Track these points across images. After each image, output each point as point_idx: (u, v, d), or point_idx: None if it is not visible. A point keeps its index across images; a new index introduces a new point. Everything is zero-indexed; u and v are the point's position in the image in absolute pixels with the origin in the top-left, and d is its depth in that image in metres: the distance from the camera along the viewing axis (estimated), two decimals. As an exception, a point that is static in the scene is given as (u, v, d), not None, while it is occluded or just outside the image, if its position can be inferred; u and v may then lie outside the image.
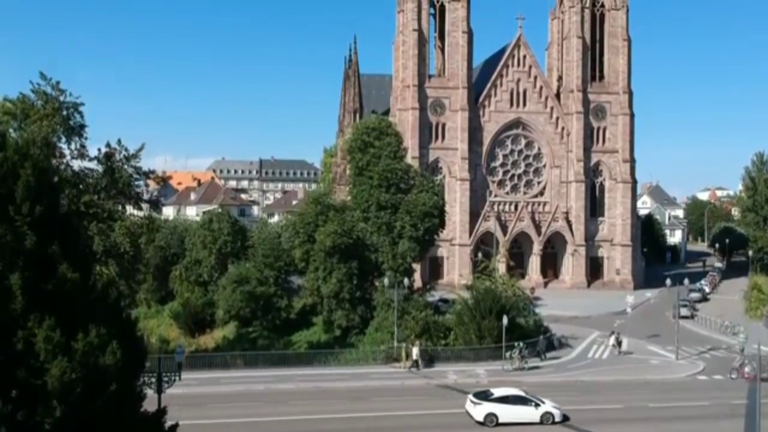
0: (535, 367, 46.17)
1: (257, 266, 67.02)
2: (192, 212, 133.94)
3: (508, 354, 46.08)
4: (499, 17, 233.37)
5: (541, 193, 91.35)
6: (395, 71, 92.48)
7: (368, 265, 58.36)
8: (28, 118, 41.41)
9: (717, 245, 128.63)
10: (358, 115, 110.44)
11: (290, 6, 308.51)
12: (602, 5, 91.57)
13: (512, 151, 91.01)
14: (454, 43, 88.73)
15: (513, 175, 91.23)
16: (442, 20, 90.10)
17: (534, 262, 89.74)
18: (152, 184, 51.65)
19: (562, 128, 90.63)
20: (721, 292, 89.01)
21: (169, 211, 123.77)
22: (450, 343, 49.69)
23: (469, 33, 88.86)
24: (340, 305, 56.94)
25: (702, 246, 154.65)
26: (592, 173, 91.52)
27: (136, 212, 47.39)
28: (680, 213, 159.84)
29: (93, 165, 43.92)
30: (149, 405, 17.98)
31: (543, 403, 33.72)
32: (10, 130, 40.77)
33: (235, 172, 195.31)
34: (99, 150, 43.89)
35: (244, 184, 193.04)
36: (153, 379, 23.04)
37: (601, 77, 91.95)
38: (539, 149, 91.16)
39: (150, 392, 21.22)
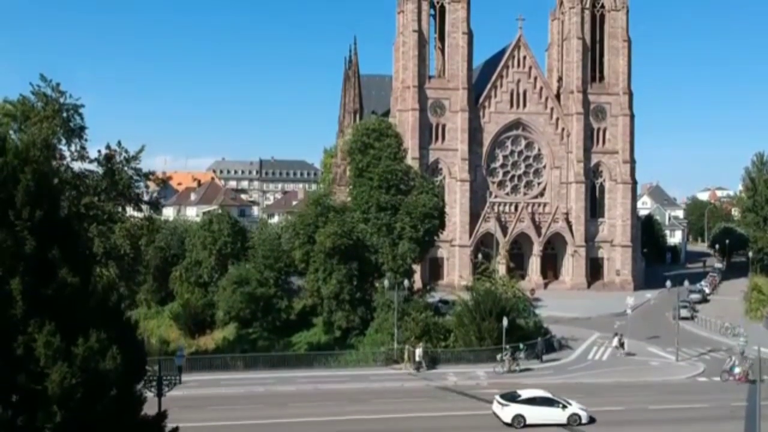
0: (526, 369, 45.87)
1: (257, 267, 67.02)
2: (192, 213, 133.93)
3: (498, 356, 45.95)
4: (499, 18, 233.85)
5: (541, 194, 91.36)
6: (395, 72, 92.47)
7: (368, 266, 58.39)
8: (29, 120, 41.52)
9: (717, 246, 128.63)
10: (358, 116, 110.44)
11: (290, 6, 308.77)
12: (602, 6, 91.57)
13: (512, 151, 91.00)
14: (454, 44, 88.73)
15: (513, 176, 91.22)
16: (442, 21, 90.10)
17: (534, 263, 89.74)
18: (152, 185, 51.67)
19: (562, 129, 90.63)
20: (721, 293, 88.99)
21: (169, 212, 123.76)
22: (450, 345, 49.70)
23: (469, 34, 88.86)
24: (340, 306, 56.96)
25: (702, 246, 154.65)
26: (592, 174, 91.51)
27: (136, 213, 47.42)
28: (680, 213, 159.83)
29: (93, 167, 44.04)
30: (150, 408, 17.98)
31: (570, 404, 33.93)
32: (11, 132, 40.88)
33: (235, 172, 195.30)
34: (99, 152, 44.05)
35: (244, 184, 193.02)
36: (153, 382, 23.03)
37: (601, 78, 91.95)
38: (539, 150, 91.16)
39: (150, 395, 21.22)
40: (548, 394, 34.53)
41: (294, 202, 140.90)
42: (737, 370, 43.65)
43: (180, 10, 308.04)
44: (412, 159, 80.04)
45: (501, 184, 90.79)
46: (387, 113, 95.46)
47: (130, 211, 47.20)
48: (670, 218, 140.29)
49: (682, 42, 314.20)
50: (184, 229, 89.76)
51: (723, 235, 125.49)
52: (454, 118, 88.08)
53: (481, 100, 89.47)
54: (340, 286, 55.99)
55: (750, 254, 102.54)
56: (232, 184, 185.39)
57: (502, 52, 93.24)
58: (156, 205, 49.68)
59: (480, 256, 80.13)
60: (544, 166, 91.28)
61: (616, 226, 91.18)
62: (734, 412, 36.04)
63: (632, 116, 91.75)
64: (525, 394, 34.36)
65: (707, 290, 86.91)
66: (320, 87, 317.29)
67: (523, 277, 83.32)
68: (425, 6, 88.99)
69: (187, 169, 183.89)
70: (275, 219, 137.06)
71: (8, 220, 15.35)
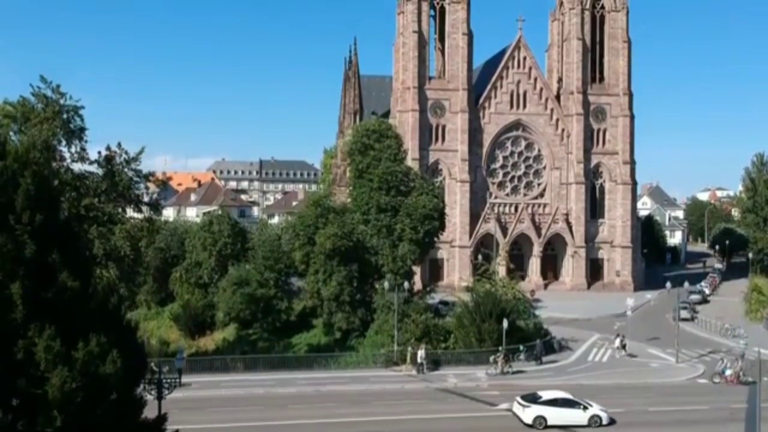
0: (519, 372, 45.70)
1: (257, 268, 67.04)
2: (192, 213, 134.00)
3: (491, 358, 45.85)
4: (499, 19, 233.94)
5: (541, 195, 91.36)
6: (395, 73, 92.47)
7: (368, 267, 58.39)
8: (29, 122, 41.47)
9: (717, 246, 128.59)
10: (358, 117, 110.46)
11: (290, 6, 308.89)
12: (602, 7, 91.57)
13: (512, 152, 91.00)
14: (454, 45, 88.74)
15: (513, 177, 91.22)
16: (442, 22, 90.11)
17: (534, 264, 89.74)
18: (152, 186, 51.66)
19: (562, 130, 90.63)
20: (721, 294, 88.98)
21: (169, 213, 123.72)
22: (450, 347, 49.66)
23: (469, 35, 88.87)
24: (341, 308, 56.96)
25: (702, 247, 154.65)
26: (592, 175, 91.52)
27: (136, 215, 47.39)
28: (680, 214, 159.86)
29: (93, 168, 44.00)
30: (150, 410, 17.98)
31: (591, 406, 34.00)
32: (11, 133, 40.90)
33: (235, 172, 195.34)
34: (99, 153, 44.00)
35: (244, 184, 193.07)
36: (153, 385, 23.00)
37: (601, 79, 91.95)
38: (539, 151, 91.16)
39: (150, 398, 21.20)
40: (569, 396, 34.70)
41: (294, 203, 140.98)
42: (728, 372, 43.72)
43: (180, 10, 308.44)
44: (412, 160, 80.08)
45: (501, 185, 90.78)
46: (387, 114, 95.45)
47: (130, 212, 47.16)
48: (670, 219, 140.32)
49: (682, 42, 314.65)
50: (184, 230, 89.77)
51: (723, 235, 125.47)
52: (454, 118, 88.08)
53: (481, 100, 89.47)
54: (340, 287, 55.99)
55: (750, 255, 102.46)
56: (232, 184, 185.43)
57: (502, 53, 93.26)
58: (156, 207, 49.62)
59: (480, 257, 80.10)
60: (544, 167, 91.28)
61: (616, 226, 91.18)
62: (734, 415, 36.03)
63: (632, 117, 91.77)
64: (546, 395, 34.49)
65: (707, 291, 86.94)
66: (320, 87, 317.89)
67: (523, 278, 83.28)
68: (425, 7, 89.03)
69: (187, 169, 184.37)
70: (275, 219, 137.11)
71: (8, 224, 15.36)
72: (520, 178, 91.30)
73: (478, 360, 47.32)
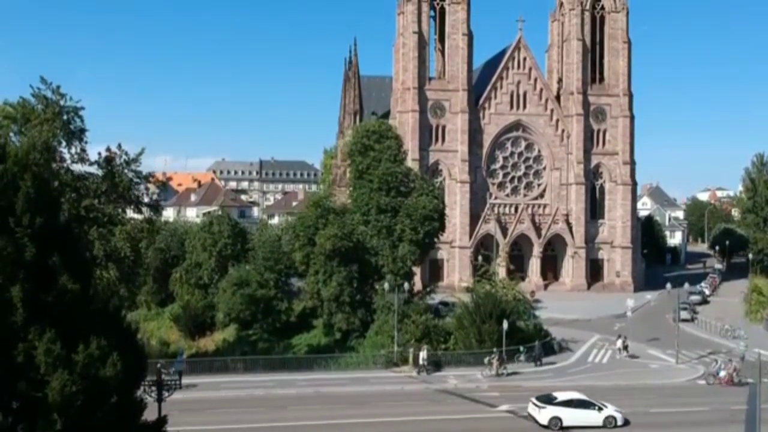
0: (514, 373, 45.61)
1: (257, 269, 67.05)
2: (192, 214, 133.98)
3: (486, 360, 45.74)
4: (499, 19, 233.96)
5: (541, 196, 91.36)
6: (395, 73, 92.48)
7: (368, 268, 58.39)
8: (29, 123, 41.43)
9: (717, 247, 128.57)
10: (358, 117, 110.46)
11: (290, 6, 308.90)
12: (602, 7, 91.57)
13: (512, 153, 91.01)
14: (454, 46, 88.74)
15: (513, 178, 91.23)
16: (442, 22, 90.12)
17: (534, 265, 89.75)
18: (152, 187, 51.61)
19: (562, 130, 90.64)
20: (721, 295, 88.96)
21: (169, 213, 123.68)
22: (450, 348, 49.65)
23: (469, 35, 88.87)
24: (341, 308, 56.96)
25: (702, 247, 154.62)
26: (592, 175, 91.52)
27: (136, 216, 47.36)
28: (680, 214, 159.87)
29: (93, 169, 43.95)
30: (150, 412, 17.98)
31: (606, 407, 34.27)
32: (11, 134, 40.90)
33: (235, 173, 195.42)
34: (99, 154, 43.93)
35: (245, 185, 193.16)
36: (153, 387, 23.01)
37: (601, 79, 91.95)
38: (539, 151, 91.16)
39: (150, 400, 21.22)
40: (584, 397, 34.97)
41: (294, 203, 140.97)
42: (722, 373, 43.77)
43: (180, 10, 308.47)
44: (412, 160, 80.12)
45: (501, 186, 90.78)
46: (387, 114, 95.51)
47: (130, 213, 47.12)
48: (670, 219, 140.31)
49: (682, 42, 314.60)
50: (185, 231, 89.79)
51: (723, 236, 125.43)
52: (454, 119, 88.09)
53: (481, 101, 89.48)
54: (340, 288, 55.99)
55: (750, 255, 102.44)
56: (232, 184, 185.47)
57: (502, 54, 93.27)
58: (156, 207, 49.60)
59: (480, 258, 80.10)
60: (544, 168, 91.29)
61: (616, 227, 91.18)
62: (734, 416, 36.04)
63: (632, 117, 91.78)
64: (561, 396, 34.78)
65: (707, 292, 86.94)
66: (320, 87, 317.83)
67: (523, 278, 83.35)
68: (425, 7, 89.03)
69: (187, 169, 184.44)
70: (275, 220, 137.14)
71: (8, 227, 15.36)
72: (520, 178, 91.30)
73: (478, 361, 47.23)
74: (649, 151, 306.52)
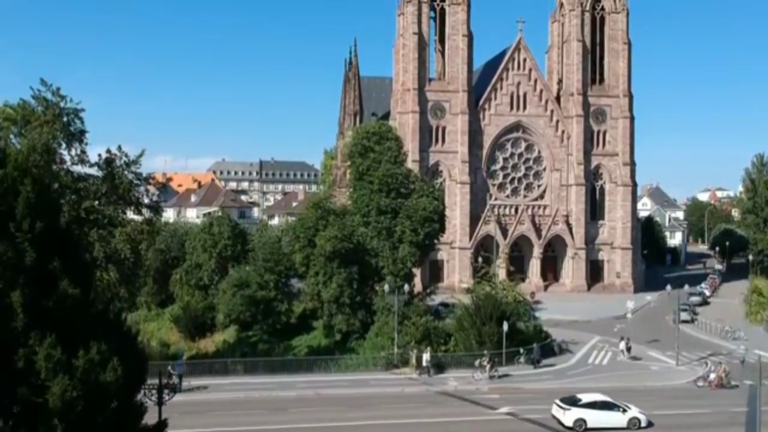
0: (505, 375, 45.47)
1: (257, 270, 67.02)
2: (192, 214, 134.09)
3: (477, 362, 45.66)
4: (499, 20, 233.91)
5: (542, 197, 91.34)
6: (395, 74, 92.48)
7: (368, 269, 58.37)
8: (29, 125, 41.39)
9: (717, 247, 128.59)
10: (358, 118, 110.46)
11: (290, 7, 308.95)
12: (602, 8, 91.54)
13: (512, 154, 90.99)
14: (455, 47, 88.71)
15: (513, 179, 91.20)
16: (442, 23, 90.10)
17: (534, 266, 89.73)
18: (152, 188, 51.55)
19: (563, 131, 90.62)
20: (721, 296, 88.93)
21: (169, 214, 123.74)
22: (450, 349, 49.63)
23: (470, 36, 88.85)
24: (341, 310, 56.93)
25: (702, 248, 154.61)
26: (592, 176, 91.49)
27: (136, 217, 47.32)
28: (680, 215, 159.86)
29: (93, 171, 43.91)
30: (150, 415, 17.98)
31: (629, 408, 34.50)
32: (11, 136, 40.87)
33: (236, 173, 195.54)
34: (99, 156, 43.86)
35: (245, 185, 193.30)
36: (153, 391, 22.99)
37: (602, 80, 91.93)
38: (539, 152, 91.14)
39: (150, 403, 21.20)
40: (608, 398, 35.18)
41: (294, 204, 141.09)
42: (712, 376, 43.77)
43: (180, 10, 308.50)
44: (412, 161, 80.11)
45: (501, 187, 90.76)
46: (387, 115, 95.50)
47: (130, 214, 47.08)
48: (670, 219, 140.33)
49: (682, 43, 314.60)
50: (185, 232, 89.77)
51: (723, 236, 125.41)
52: (454, 120, 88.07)
53: (481, 102, 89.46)
54: (341, 289, 55.96)
55: (750, 256, 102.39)
56: (233, 185, 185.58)
57: (502, 55, 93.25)
58: (156, 209, 49.57)
59: (480, 259, 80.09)
60: (544, 169, 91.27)
61: (616, 228, 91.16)
62: (734, 418, 36.03)
63: (632, 118, 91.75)
64: (585, 398, 35.03)
65: (707, 293, 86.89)
66: (320, 88, 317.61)
67: (523, 279, 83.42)
68: (425, 8, 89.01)
69: (187, 169, 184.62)
70: (275, 220, 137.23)
71: (9, 232, 15.35)
72: (520, 179, 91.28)
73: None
74: (649, 151, 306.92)
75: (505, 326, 46.81)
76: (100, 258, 41.43)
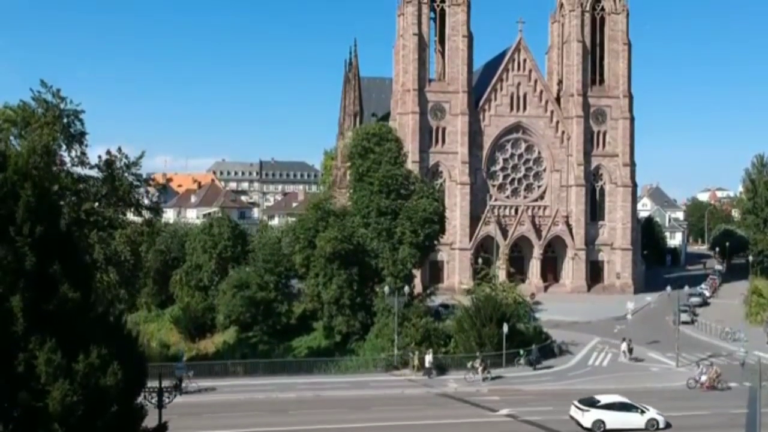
0: (498, 377, 45.33)
1: (257, 271, 67.03)
2: (192, 215, 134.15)
3: (469, 364, 45.60)
4: (499, 21, 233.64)
5: (542, 197, 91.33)
6: (395, 75, 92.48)
7: (368, 270, 58.38)
8: (29, 126, 41.38)
9: (717, 248, 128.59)
10: (358, 118, 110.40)
11: (290, 7, 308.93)
12: (602, 9, 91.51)
13: (512, 155, 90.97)
14: (455, 47, 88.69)
15: (513, 179, 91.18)
16: (442, 24, 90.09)
17: (534, 266, 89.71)
18: (152, 189, 51.53)
19: (563, 132, 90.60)
20: (721, 296, 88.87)
21: (169, 214, 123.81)
22: (450, 351, 49.60)
23: (470, 37, 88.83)
24: (341, 311, 56.94)
25: (702, 248, 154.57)
26: (592, 177, 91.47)
27: (136, 219, 47.31)
28: (680, 215, 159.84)
29: (93, 172, 43.91)
30: (150, 417, 17.99)
31: (648, 410, 34.73)
32: (11, 138, 40.88)
33: (236, 173, 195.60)
34: (99, 157, 43.87)
35: (245, 185, 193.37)
36: (154, 393, 22.98)
37: (602, 81, 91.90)
38: (539, 153, 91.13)
39: (150, 406, 21.18)
40: (626, 400, 35.44)
41: (294, 204, 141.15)
42: (703, 378, 43.78)
43: (180, 11, 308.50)
44: (412, 162, 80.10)
45: (501, 187, 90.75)
46: (387, 116, 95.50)
47: (130, 216, 47.07)
48: (670, 220, 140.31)
49: (682, 43, 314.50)
50: (185, 233, 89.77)
51: (723, 237, 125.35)
52: (454, 121, 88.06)
53: (481, 103, 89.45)
54: (341, 290, 55.98)
55: (750, 257, 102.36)
56: (233, 185, 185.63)
57: (502, 55, 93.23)
58: (156, 210, 49.57)
59: (480, 260, 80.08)
60: (544, 169, 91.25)
61: (616, 229, 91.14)
62: (734, 420, 36.02)
63: (632, 119, 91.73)
64: (604, 399, 35.26)
65: (707, 293, 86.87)
66: (320, 88, 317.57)
67: (523, 280, 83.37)
68: (425, 9, 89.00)
69: (187, 170, 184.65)
70: (275, 221, 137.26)
71: (9, 236, 15.36)
72: (520, 180, 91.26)
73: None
74: (649, 151, 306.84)
75: (505, 328, 46.81)
76: (100, 260, 41.45)
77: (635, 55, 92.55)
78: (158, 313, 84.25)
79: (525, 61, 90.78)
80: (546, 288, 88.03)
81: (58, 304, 15.46)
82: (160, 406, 22.66)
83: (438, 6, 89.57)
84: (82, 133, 42.95)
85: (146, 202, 47.44)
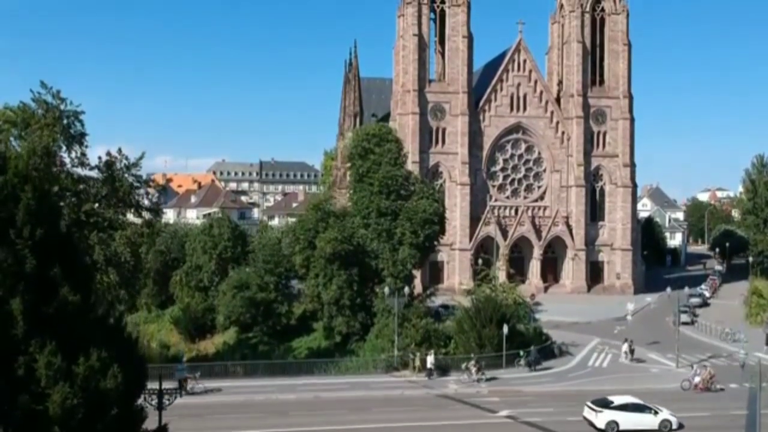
0: (492, 378, 45.18)
1: (257, 272, 67.10)
2: (192, 215, 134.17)
3: (464, 365, 45.42)
4: (499, 22, 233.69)
5: (542, 198, 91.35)
6: (395, 76, 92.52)
7: (368, 271, 58.43)
8: (29, 127, 41.40)
9: (717, 248, 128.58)
10: (358, 119, 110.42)
11: (291, 8, 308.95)
12: (602, 9, 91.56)
13: (512, 155, 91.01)
14: (455, 48, 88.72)
15: (513, 180, 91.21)
16: (442, 25, 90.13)
17: (534, 267, 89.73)
18: (152, 189, 51.52)
19: (563, 132, 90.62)
20: (721, 297, 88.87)
21: (169, 215, 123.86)
22: (450, 352, 49.57)
23: (470, 37, 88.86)
24: (341, 312, 56.99)
25: (702, 248, 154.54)
26: (592, 177, 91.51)
27: (136, 220, 47.32)
28: (680, 215, 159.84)
29: (93, 173, 43.91)
30: (150, 419, 17.98)
31: (661, 410, 34.75)
32: (11, 139, 40.89)
33: (236, 174, 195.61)
34: (99, 158, 43.90)
35: (245, 186, 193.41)
36: (154, 395, 22.96)
37: (602, 81, 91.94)
38: (539, 153, 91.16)
39: (150, 408, 21.18)
40: (639, 401, 35.44)
41: (294, 204, 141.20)
42: (697, 379, 43.78)
43: (180, 12, 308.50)
44: (412, 163, 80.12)
45: (501, 188, 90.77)
46: (387, 116, 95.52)
47: (130, 217, 47.08)
48: (670, 220, 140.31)
49: (682, 44, 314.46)
50: (185, 233, 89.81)
51: (723, 237, 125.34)
52: (454, 121, 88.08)
53: (481, 103, 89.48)
54: (341, 291, 56.02)
55: (750, 258, 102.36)
56: (233, 185, 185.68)
57: (502, 56, 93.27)
58: (156, 211, 49.57)
59: (480, 261, 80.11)
60: (545, 170, 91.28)
61: (616, 229, 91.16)
62: (734, 421, 35.97)
63: (632, 120, 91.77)
64: (617, 400, 35.26)
65: (707, 294, 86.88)
66: (321, 89, 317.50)
67: (523, 281, 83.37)
68: (425, 10, 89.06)
69: (187, 170, 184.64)
70: (275, 221, 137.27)
71: (9, 238, 15.35)
72: (520, 180, 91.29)
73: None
74: (649, 151, 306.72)
75: (505, 329, 46.80)
76: (100, 261, 41.47)
77: (635, 55, 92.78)
78: (158, 314, 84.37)
79: (525, 61, 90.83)
80: (546, 288, 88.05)
81: (59, 307, 15.43)
82: (161, 408, 22.64)
83: (438, 7, 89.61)
84: (82, 134, 42.99)
85: (146, 203, 47.48)
